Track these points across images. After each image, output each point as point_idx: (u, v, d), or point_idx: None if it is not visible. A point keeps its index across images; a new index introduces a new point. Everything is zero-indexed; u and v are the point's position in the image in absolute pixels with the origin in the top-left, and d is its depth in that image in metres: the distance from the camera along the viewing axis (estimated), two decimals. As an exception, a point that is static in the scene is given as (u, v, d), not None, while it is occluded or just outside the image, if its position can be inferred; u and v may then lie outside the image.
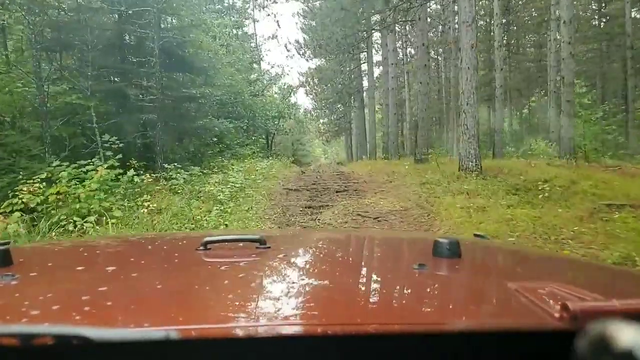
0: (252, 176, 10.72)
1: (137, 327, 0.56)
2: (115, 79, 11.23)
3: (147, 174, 7.73)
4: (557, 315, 0.55)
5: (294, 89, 24.49)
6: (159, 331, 0.51)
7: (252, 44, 25.06)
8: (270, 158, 20.90)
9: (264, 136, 23.45)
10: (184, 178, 8.36)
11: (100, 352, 0.49)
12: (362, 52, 24.15)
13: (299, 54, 24.97)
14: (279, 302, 0.72)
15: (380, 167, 14.68)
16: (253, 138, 20.52)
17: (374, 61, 24.27)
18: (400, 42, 34.85)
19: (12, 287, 0.76)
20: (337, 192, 9.12)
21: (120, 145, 7.91)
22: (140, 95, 10.92)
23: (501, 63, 16.29)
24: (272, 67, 24.56)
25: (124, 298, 0.75)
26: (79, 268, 0.98)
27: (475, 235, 1.53)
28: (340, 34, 17.39)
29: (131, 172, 6.86)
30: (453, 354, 0.56)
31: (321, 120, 38.96)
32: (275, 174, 12.64)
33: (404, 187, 9.03)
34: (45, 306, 0.67)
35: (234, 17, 22.24)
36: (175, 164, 8.90)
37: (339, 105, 33.36)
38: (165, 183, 8.24)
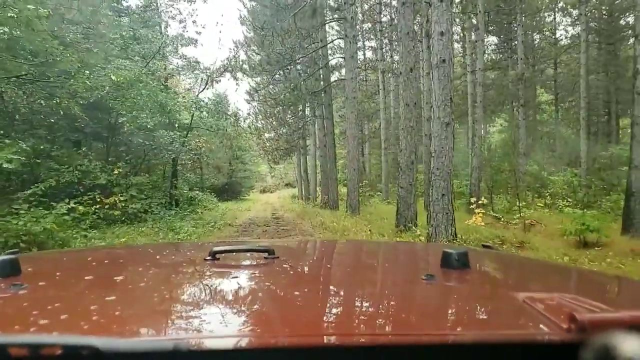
0: None
1: (146, 337, 0.56)
2: None
3: None
4: (564, 326, 0.55)
5: (213, 75, 13.48)
6: (167, 341, 0.50)
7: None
8: (154, 214, 10.33)
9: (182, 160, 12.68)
10: None
11: None
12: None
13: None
14: (288, 313, 0.71)
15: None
16: (120, 170, 9.79)
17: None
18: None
19: (20, 297, 0.75)
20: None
21: None
22: None
23: None
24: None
25: (133, 308, 0.74)
26: (87, 277, 0.96)
27: (484, 245, 1.54)
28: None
29: None
30: None
31: (266, 135, 28.49)
32: None
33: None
34: (54, 316, 0.66)
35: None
36: None
37: (289, 117, 23.26)
38: None
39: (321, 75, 16.16)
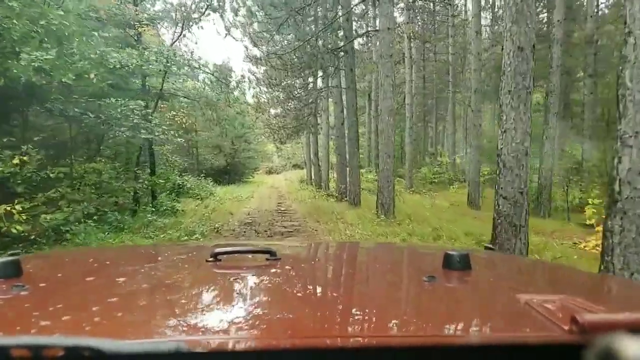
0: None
1: (148, 338, 0.56)
2: None
3: None
4: (566, 328, 0.54)
5: (190, 15, 9.40)
6: (169, 343, 0.50)
7: None
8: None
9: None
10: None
11: None
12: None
13: None
14: (289, 314, 0.70)
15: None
16: (24, 158, 6.14)
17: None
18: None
19: (22, 298, 0.74)
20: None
21: None
22: None
23: None
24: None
25: (135, 309, 0.73)
26: (89, 278, 0.95)
27: (486, 247, 1.54)
28: None
29: None
30: None
31: (272, 111, 24.52)
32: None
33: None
34: (56, 317, 0.65)
35: None
36: None
37: (297, 88, 19.44)
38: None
39: (340, 30, 12.20)
